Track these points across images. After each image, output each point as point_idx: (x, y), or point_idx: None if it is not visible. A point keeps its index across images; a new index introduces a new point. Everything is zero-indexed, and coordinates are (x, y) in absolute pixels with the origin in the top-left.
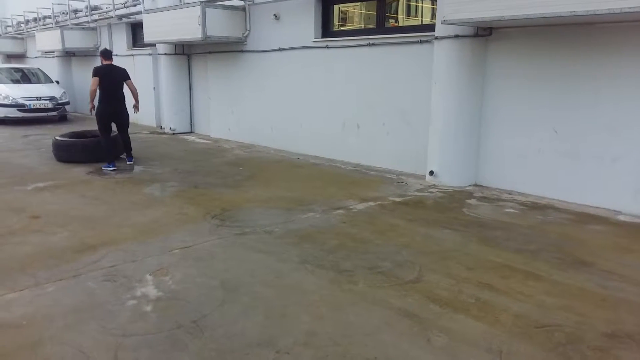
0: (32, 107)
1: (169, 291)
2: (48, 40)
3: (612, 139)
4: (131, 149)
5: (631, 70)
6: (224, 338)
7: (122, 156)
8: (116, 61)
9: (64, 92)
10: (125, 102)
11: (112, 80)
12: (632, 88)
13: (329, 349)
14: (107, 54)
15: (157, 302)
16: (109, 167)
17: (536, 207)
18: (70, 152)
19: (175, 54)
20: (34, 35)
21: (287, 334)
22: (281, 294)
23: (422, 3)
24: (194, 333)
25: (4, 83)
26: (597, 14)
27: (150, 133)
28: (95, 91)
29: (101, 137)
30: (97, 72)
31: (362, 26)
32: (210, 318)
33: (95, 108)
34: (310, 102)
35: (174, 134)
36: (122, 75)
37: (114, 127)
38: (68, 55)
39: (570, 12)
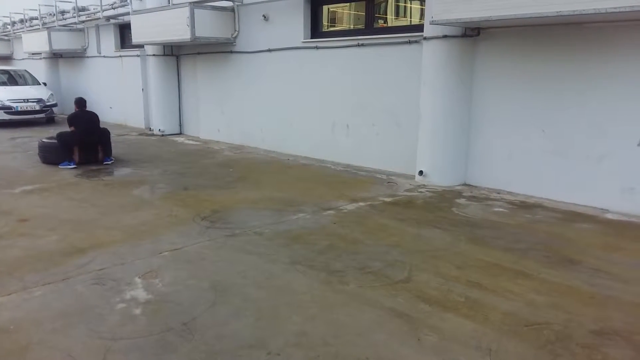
0: (19, 109)
1: (158, 294)
2: (35, 41)
3: (599, 138)
4: (111, 151)
5: (618, 70)
6: (215, 340)
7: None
8: (105, 62)
9: (52, 94)
10: (99, 123)
11: (84, 121)
12: (619, 87)
13: (320, 350)
14: (80, 103)
15: (146, 304)
16: (69, 164)
17: (525, 206)
18: (57, 153)
19: (164, 55)
20: (21, 37)
21: (278, 334)
22: (272, 295)
23: (410, 4)
24: (185, 335)
25: None
26: (584, 14)
27: (139, 135)
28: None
29: (58, 142)
30: (71, 121)
31: (351, 27)
32: (201, 320)
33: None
34: (300, 102)
35: (163, 135)
36: (94, 117)
37: None
38: (55, 56)
39: (557, 12)
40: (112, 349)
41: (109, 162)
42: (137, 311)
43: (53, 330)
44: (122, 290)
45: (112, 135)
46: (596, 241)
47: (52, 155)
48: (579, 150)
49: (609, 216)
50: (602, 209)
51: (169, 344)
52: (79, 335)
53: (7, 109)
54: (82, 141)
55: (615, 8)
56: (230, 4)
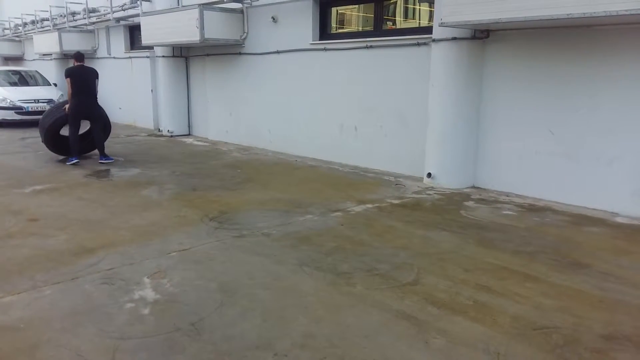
0: (30, 109)
1: (166, 294)
2: (46, 42)
3: (608, 140)
4: (104, 147)
5: (628, 73)
6: (222, 340)
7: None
8: (114, 63)
9: (62, 95)
10: (97, 98)
11: (82, 79)
12: (629, 90)
13: (326, 351)
14: (79, 57)
15: (155, 304)
16: (72, 160)
17: (534, 209)
18: (51, 115)
19: (173, 56)
20: (32, 38)
21: (285, 336)
22: (279, 296)
23: (419, 5)
24: (192, 336)
25: (2, 86)
26: (594, 17)
27: (148, 135)
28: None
29: (69, 131)
30: (69, 73)
31: (360, 29)
32: (208, 320)
33: (69, 104)
34: (308, 104)
35: (172, 136)
36: (92, 75)
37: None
38: (66, 57)
39: (567, 14)
40: (121, 348)
41: (104, 162)
42: (146, 311)
43: (62, 329)
44: (130, 290)
45: (121, 136)
46: (606, 245)
47: (48, 118)
48: (589, 152)
49: (619, 220)
50: (612, 212)
51: (177, 344)
52: (87, 334)
53: (17, 109)
54: (79, 104)
55: (626, 10)
56: (239, 5)
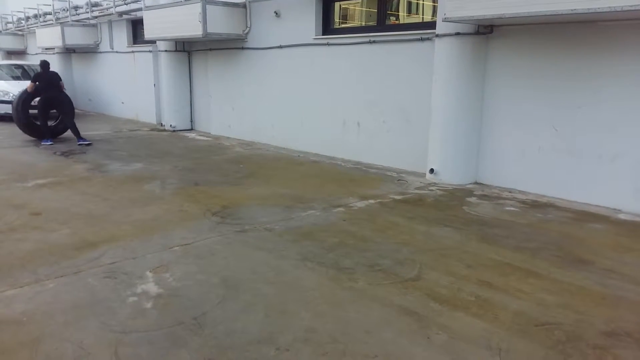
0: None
1: (169, 288)
2: (48, 36)
3: (612, 137)
4: (79, 133)
5: (632, 69)
6: (224, 335)
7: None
8: (117, 58)
9: (64, 89)
10: (65, 91)
11: (45, 79)
12: (633, 86)
13: (328, 346)
14: (43, 66)
15: (157, 298)
16: (47, 142)
17: (536, 205)
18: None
19: (176, 50)
20: (35, 32)
21: (287, 331)
22: (281, 291)
23: (423, 1)
24: (194, 330)
25: (4, 79)
26: (598, 12)
27: (151, 130)
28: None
29: (40, 120)
30: (35, 78)
31: (363, 23)
32: (211, 315)
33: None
34: (310, 99)
35: (174, 131)
36: (54, 76)
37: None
38: (68, 51)
39: (571, 9)
40: (123, 341)
41: (81, 144)
42: (148, 305)
43: (65, 323)
44: (133, 284)
45: (124, 130)
46: (608, 241)
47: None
48: (592, 149)
49: (622, 216)
50: (614, 209)
51: (179, 338)
52: (90, 327)
53: None
54: (44, 97)
55: (631, 6)
56: (242, 0)
